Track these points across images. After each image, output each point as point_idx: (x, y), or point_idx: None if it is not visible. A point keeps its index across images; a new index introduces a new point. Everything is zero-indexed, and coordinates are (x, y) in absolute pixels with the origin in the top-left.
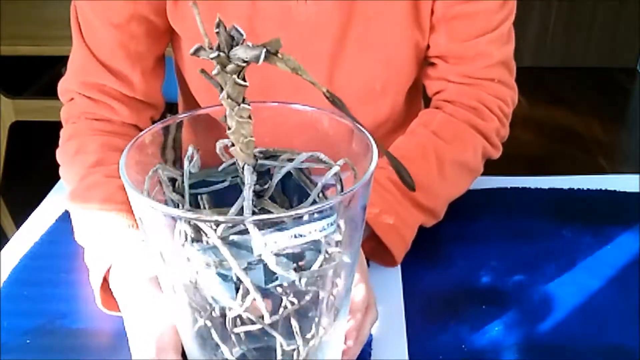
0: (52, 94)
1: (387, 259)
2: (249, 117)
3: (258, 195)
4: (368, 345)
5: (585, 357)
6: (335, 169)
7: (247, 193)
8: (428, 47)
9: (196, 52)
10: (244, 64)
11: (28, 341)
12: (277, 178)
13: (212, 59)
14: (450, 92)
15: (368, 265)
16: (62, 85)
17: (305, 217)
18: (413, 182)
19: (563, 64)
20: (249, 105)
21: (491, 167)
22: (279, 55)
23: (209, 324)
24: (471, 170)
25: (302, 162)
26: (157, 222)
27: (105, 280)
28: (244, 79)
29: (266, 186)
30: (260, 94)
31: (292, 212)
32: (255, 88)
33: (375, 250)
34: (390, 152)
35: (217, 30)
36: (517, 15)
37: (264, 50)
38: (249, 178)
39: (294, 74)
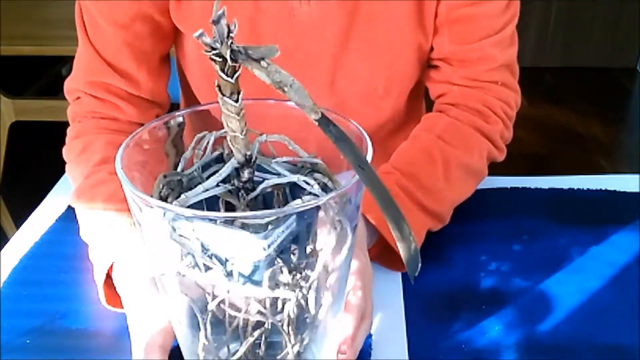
0: (52, 94)
1: (394, 263)
2: (237, 114)
3: (247, 191)
4: (368, 345)
5: (585, 357)
6: (305, 201)
7: (209, 181)
8: (431, 49)
9: (200, 37)
10: (220, 59)
11: (28, 341)
12: (262, 186)
13: (205, 44)
14: (454, 95)
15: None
16: (69, 85)
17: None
18: (415, 274)
19: (563, 64)
20: (235, 102)
21: (491, 167)
22: (263, 63)
23: (203, 318)
24: (476, 174)
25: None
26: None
27: (108, 277)
28: (231, 75)
29: (257, 190)
30: (266, 92)
31: (204, 214)
32: (261, 86)
33: (382, 254)
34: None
35: (212, 21)
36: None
37: (229, 50)
38: (223, 170)
39: (299, 75)
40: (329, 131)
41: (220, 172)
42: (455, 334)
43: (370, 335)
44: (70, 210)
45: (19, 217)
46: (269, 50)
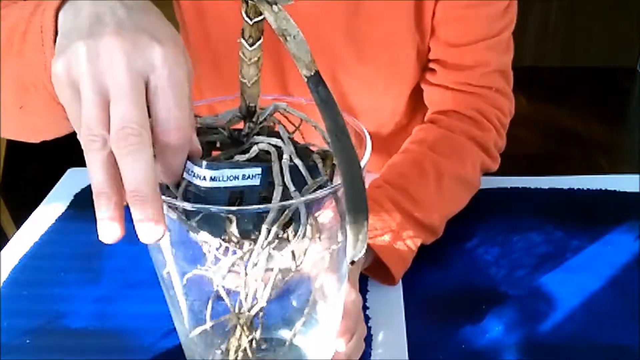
0: None
1: (386, 277)
2: (249, 59)
3: (239, 144)
4: (368, 345)
5: (585, 357)
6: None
7: (206, 119)
8: (429, 50)
9: None
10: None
11: (28, 341)
12: (252, 150)
13: None
14: (448, 101)
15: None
16: None
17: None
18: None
19: (563, 64)
20: (249, 45)
21: None
22: (275, 8)
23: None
24: (469, 185)
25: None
26: None
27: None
28: (252, 17)
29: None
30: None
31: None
32: (268, 76)
33: (374, 268)
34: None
35: None
36: (517, 15)
37: None
38: (222, 114)
39: (299, 72)
40: (316, 91)
41: (219, 115)
42: (455, 334)
43: (370, 335)
44: (70, 210)
45: (19, 217)
46: None
